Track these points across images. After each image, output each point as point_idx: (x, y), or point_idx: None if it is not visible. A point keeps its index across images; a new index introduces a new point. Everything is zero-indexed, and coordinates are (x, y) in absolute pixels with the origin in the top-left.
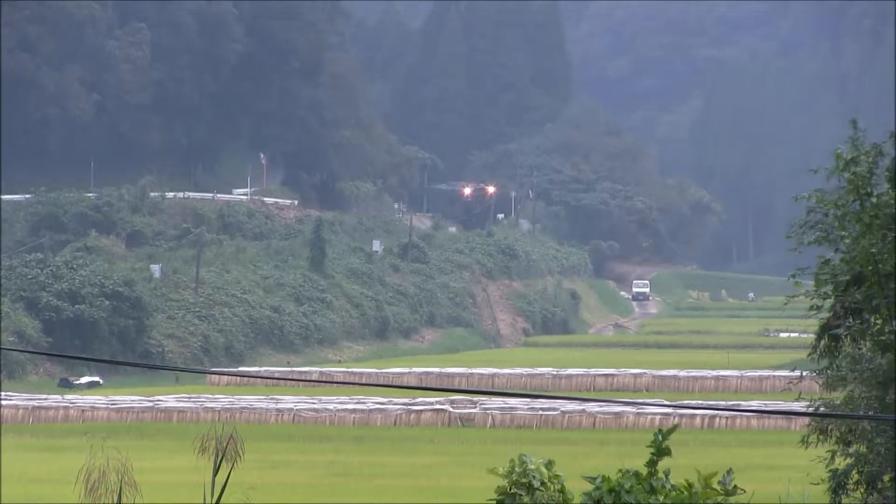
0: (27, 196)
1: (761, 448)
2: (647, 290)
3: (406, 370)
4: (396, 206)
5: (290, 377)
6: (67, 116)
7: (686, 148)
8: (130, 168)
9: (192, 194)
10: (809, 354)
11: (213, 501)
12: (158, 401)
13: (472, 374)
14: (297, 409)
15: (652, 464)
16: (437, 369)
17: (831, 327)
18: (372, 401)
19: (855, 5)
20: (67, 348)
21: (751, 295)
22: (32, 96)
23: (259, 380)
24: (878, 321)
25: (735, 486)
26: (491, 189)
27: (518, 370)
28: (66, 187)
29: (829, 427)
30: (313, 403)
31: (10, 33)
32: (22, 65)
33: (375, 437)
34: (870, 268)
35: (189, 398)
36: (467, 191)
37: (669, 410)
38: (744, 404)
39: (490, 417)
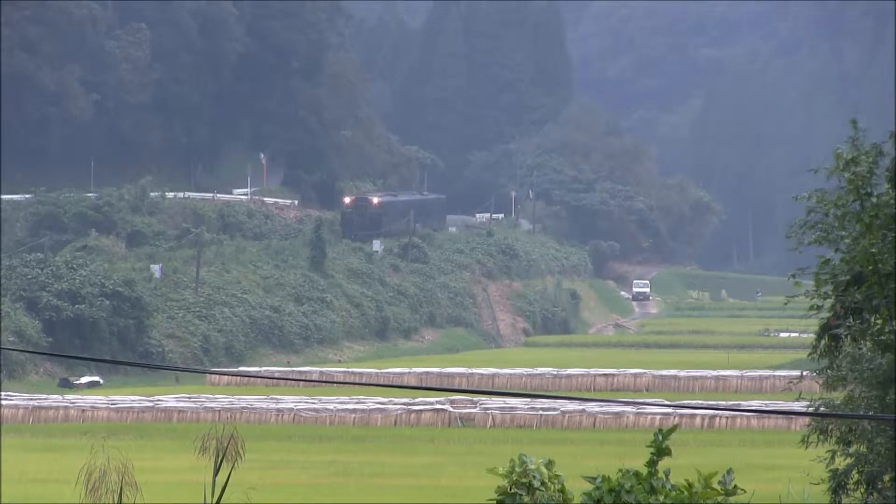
0: (27, 196)
1: (761, 448)
2: (647, 290)
3: (406, 370)
4: None
5: (290, 377)
6: (67, 116)
7: (686, 148)
8: (130, 168)
9: (192, 194)
10: (809, 354)
11: (214, 501)
12: (158, 401)
13: (472, 374)
14: (297, 409)
15: (652, 464)
16: (437, 369)
17: (831, 327)
18: (372, 401)
19: (855, 5)
20: (67, 348)
21: (759, 293)
22: (32, 96)
23: (259, 380)
24: (878, 321)
25: (735, 486)
26: (376, 199)
27: (518, 370)
28: (66, 187)
29: (829, 427)
30: (313, 403)
31: (10, 33)
32: (22, 65)
33: (375, 437)
34: (870, 268)
35: (189, 398)
36: (347, 199)
37: (669, 410)
38: (744, 404)
39: (490, 417)
